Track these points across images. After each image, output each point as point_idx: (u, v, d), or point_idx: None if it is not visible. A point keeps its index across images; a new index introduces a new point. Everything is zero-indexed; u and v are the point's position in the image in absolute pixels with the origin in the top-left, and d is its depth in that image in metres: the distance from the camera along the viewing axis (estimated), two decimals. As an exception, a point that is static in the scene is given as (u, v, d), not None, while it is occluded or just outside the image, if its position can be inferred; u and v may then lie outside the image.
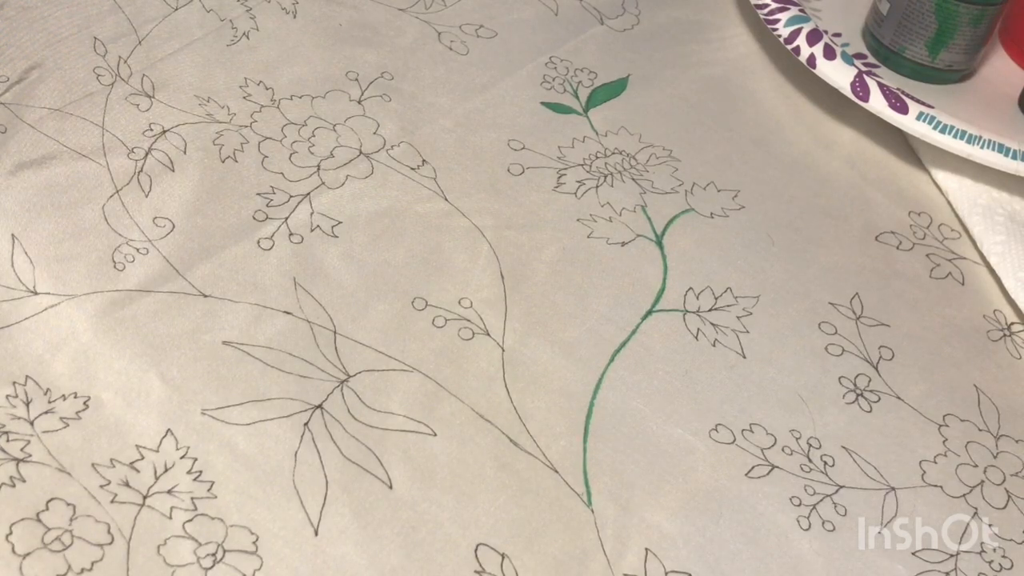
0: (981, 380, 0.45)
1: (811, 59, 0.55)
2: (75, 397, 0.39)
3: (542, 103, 0.55)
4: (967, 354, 0.46)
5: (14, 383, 0.39)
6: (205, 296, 0.43)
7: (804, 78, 0.59)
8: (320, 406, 0.40)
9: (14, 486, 0.36)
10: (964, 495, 0.41)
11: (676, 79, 0.58)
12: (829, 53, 0.55)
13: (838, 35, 0.61)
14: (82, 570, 0.34)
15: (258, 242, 0.45)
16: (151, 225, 0.45)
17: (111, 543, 0.35)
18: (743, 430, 0.42)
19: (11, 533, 0.35)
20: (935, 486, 0.41)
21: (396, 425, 0.40)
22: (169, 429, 0.38)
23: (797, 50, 0.56)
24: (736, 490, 0.40)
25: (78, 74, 0.51)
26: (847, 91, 0.54)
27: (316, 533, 0.37)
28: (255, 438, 0.39)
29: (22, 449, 0.37)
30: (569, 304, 0.45)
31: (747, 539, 0.39)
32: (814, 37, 0.56)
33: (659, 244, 0.48)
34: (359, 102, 0.53)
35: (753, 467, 0.41)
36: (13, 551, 0.34)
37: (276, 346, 0.42)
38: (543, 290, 0.46)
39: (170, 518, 0.36)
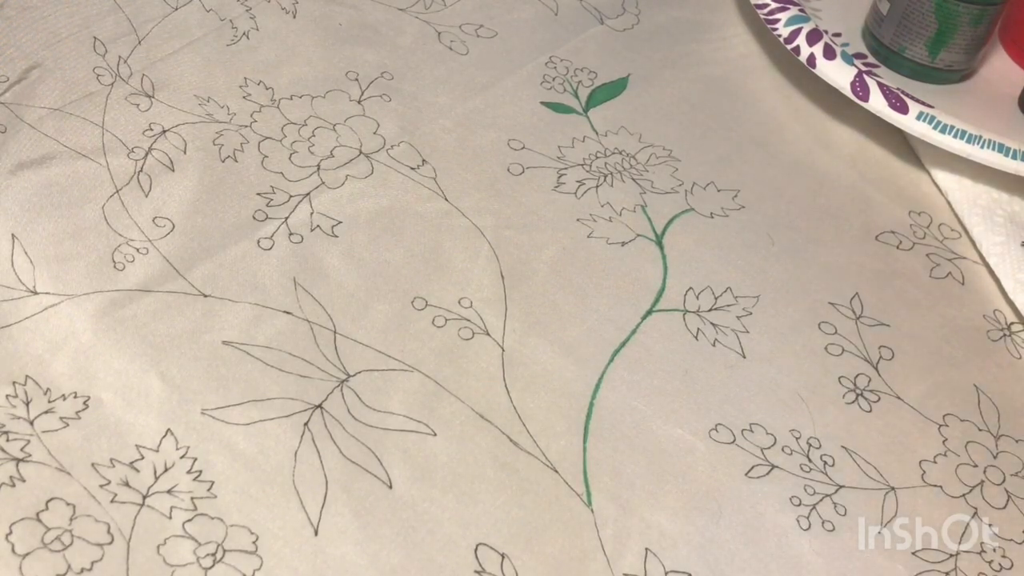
0: (981, 380, 0.45)
1: (811, 59, 0.55)
2: (75, 397, 0.39)
3: (542, 103, 0.55)
4: (967, 354, 0.46)
5: (14, 383, 0.39)
6: (205, 296, 0.43)
7: (804, 78, 0.59)
8: (320, 406, 0.40)
9: (14, 486, 0.36)
10: (964, 495, 0.41)
11: (676, 79, 0.58)
12: (829, 53, 0.55)
13: (838, 35, 0.61)
14: (82, 570, 0.34)
15: (258, 242, 0.45)
16: (151, 225, 0.45)
17: (111, 543, 0.35)
18: (743, 430, 0.42)
19: (11, 533, 0.35)
20: (935, 486, 0.41)
21: (396, 425, 0.40)
22: (169, 429, 0.38)
23: (797, 50, 0.56)
24: (736, 490, 0.40)
25: (78, 74, 0.51)
26: (847, 91, 0.54)
27: (316, 533, 0.37)
28: (255, 438, 0.39)
29: (22, 449, 0.37)
30: (569, 304, 0.45)
31: (747, 539, 0.39)
32: (814, 37, 0.56)
33: (659, 244, 0.48)
34: (359, 102, 0.53)
35: (753, 467, 0.41)
36: (13, 551, 0.34)
37: (276, 346, 0.42)
38: (543, 290, 0.46)
39: (170, 518, 0.36)
